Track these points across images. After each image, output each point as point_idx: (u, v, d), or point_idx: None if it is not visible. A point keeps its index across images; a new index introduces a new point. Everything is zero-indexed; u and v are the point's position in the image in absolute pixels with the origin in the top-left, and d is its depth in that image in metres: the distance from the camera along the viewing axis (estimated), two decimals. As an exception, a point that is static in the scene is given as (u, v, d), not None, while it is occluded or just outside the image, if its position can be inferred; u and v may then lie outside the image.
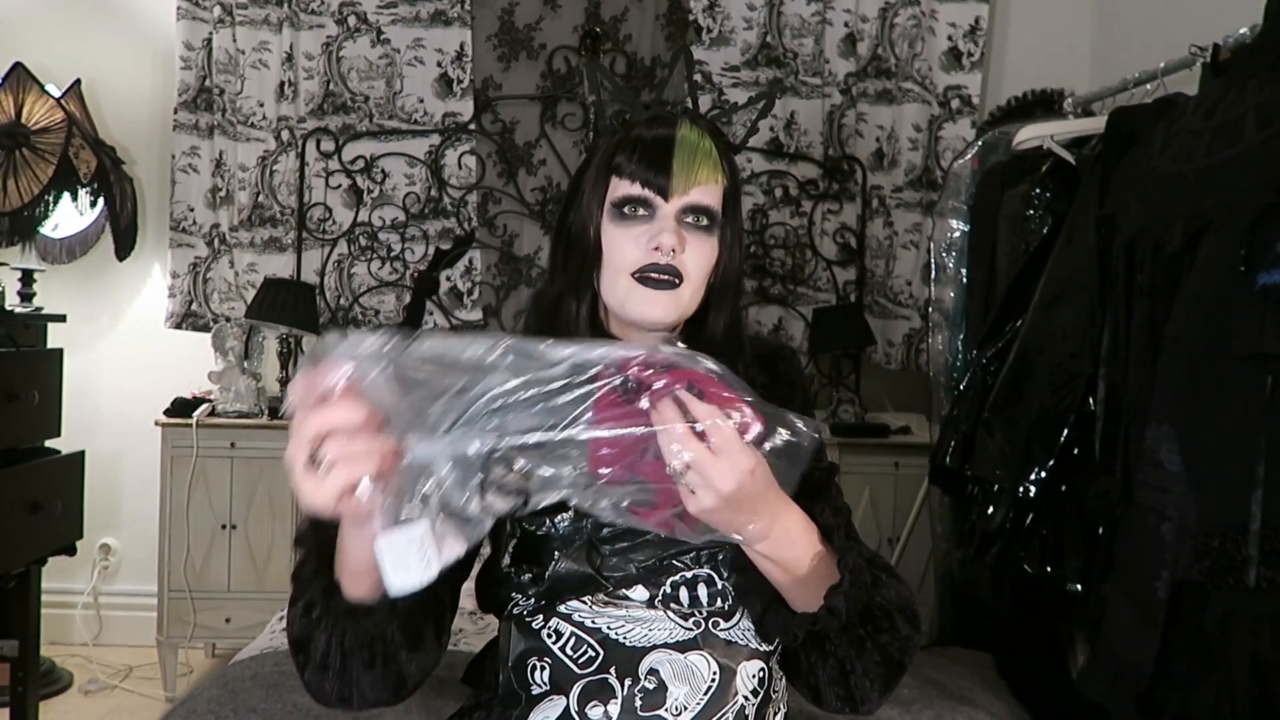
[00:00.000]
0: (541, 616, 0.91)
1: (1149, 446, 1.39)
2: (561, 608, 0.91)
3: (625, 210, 0.91)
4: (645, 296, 0.89)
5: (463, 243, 2.86)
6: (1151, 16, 2.57)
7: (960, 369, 2.22)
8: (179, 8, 2.80)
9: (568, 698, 0.87)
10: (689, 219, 0.91)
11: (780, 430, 0.72)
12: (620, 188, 0.92)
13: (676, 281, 0.90)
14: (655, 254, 0.89)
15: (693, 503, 0.71)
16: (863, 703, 0.87)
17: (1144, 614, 1.35)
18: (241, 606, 2.52)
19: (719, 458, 0.69)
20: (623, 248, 0.91)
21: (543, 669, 0.90)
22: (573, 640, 0.89)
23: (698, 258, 0.92)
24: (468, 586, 0.97)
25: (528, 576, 0.91)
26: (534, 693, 0.90)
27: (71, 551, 2.39)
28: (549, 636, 0.90)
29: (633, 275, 0.90)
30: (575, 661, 0.89)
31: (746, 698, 0.89)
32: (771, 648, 0.94)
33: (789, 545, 0.80)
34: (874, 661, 0.85)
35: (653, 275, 0.89)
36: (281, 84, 2.83)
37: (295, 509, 2.54)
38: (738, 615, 0.92)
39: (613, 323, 0.95)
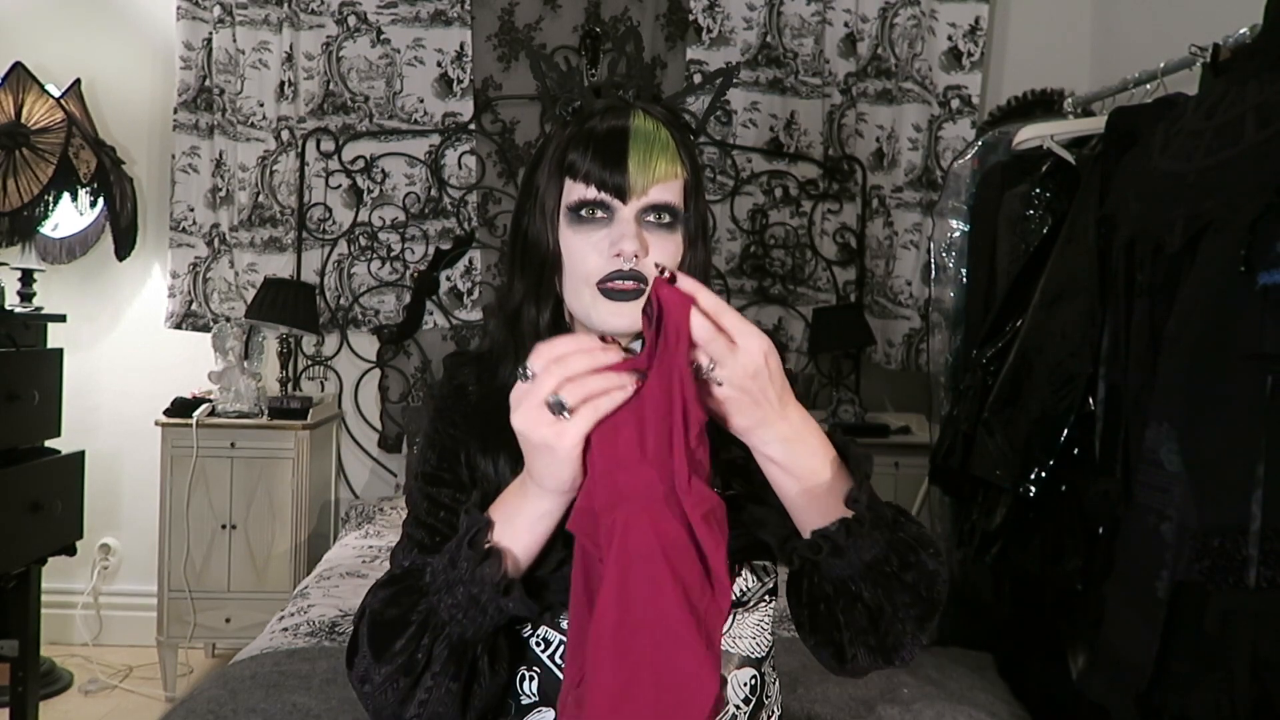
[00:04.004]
0: (529, 624, 0.88)
1: (1149, 446, 1.39)
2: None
3: (583, 214, 0.87)
4: (611, 309, 0.86)
5: (463, 243, 2.86)
6: (1151, 16, 2.57)
7: (960, 369, 2.22)
8: (179, 8, 2.80)
9: (555, 710, 0.85)
10: (650, 218, 0.88)
11: None
12: (575, 191, 0.88)
13: (642, 287, 0.86)
14: (617, 260, 0.86)
15: (718, 395, 0.73)
16: (896, 649, 0.82)
17: (1144, 614, 1.35)
18: (241, 606, 2.52)
19: (736, 344, 0.72)
20: (583, 255, 0.88)
21: (531, 679, 0.88)
22: (561, 649, 0.87)
23: (662, 258, 0.88)
24: None
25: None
26: (524, 703, 0.88)
27: (71, 551, 2.40)
28: (537, 645, 0.88)
29: (596, 286, 0.86)
30: (564, 671, 0.86)
31: (738, 706, 0.88)
32: (764, 654, 0.92)
33: (807, 453, 0.78)
34: (904, 602, 0.80)
35: (617, 285, 0.86)
36: (281, 84, 2.83)
37: (295, 509, 2.54)
38: (729, 623, 0.90)
39: (578, 329, 0.92)
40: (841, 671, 0.87)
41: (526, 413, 0.72)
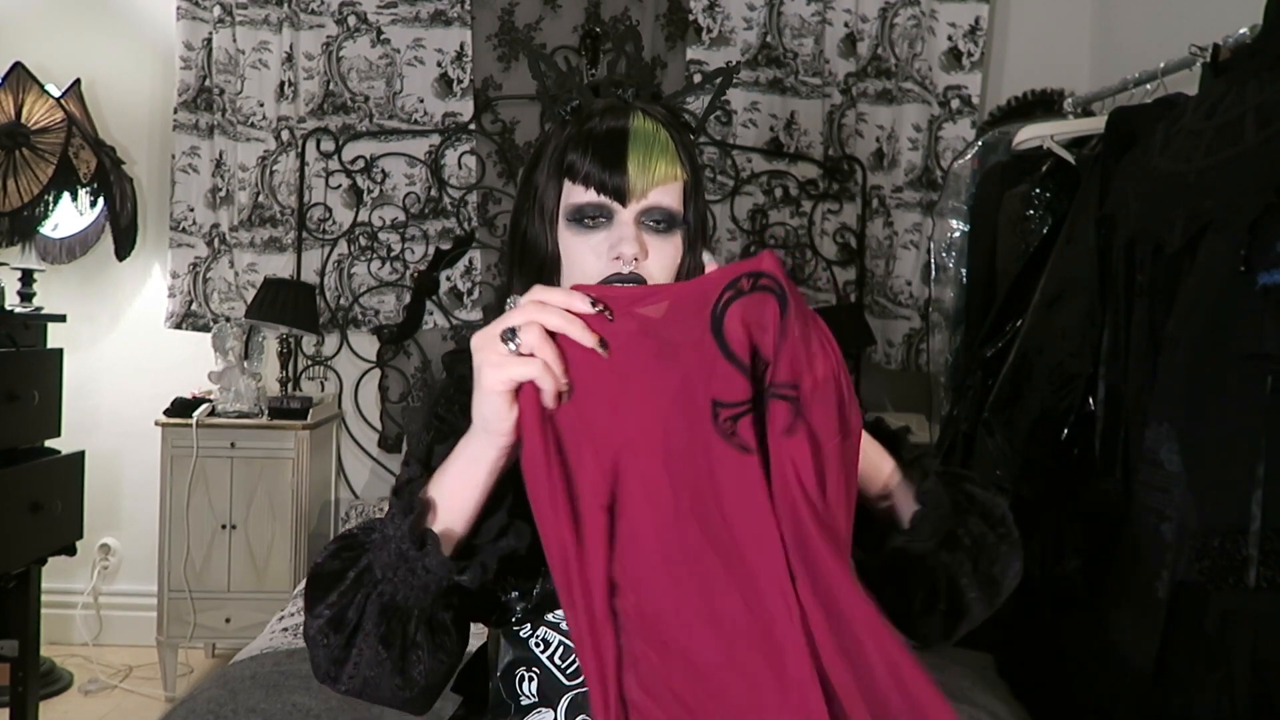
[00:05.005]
0: (529, 625, 0.89)
1: (1149, 446, 1.39)
2: (550, 616, 0.88)
3: (583, 219, 0.87)
4: None
5: (463, 243, 2.86)
6: (1151, 16, 2.57)
7: (960, 369, 2.22)
8: (179, 8, 2.80)
9: (555, 711, 0.85)
10: (649, 222, 0.87)
11: None
12: (575, 194, 0.88)
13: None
14: (616, 264, 0.85)
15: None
16: (966, 612, 0.86)
17: (1144, 614, 1.36)
18: (241, 606, 2.52)
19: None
20: (582, 258, 0.87)
21: (531, 679, 0.88)
22: (561, 649, 0.87)
23: (661, 261, 0.88)
24: None
25: (515, 594, 0.88)
26: (523, 703, 0.88)
27: (71, 551, 2.40)
28: (537, 645, 0.87)
29: None
30: (564, 672, 0.86)
31: None
32: None
33: (872, 450, 0.80)
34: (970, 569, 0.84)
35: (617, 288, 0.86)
36: (281, 84, 2.83)
37: (295, 509, 2.54)
38: None
39: None
40: (914, 634, 0.88)
41: (486, 334, 0.70)
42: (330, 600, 0.75)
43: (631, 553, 0.69)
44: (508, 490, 0.76)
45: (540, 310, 0.70)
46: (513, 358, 0.69)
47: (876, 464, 0.82)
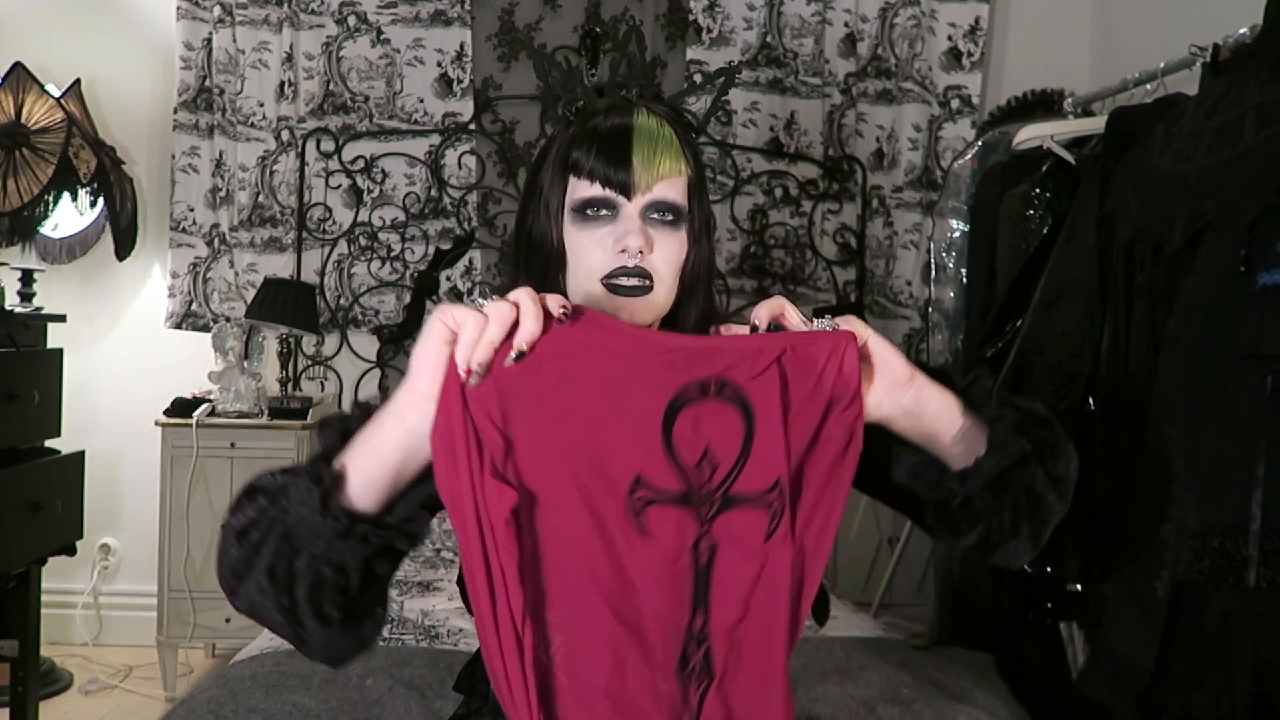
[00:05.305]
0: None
1: (1149, 446, 1.39)
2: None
3: (587, 212, 0.87)
4: (617, 306, 0.85)
5: (463, 243, 2.86)
6: (1151, 16, 2.57)
7: (960, 369, 2.22)
8: (179, 8, 2.80)
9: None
10: (654, 215, 0.87)
11: None
12: (580, 189, 0.88)
13: (648, 284, 0.86)
14: (622, 256, 0.85)
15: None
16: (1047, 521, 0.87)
17: (1144, 614, 1.36)
18: (241, 606, 2.52)
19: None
20: (588, 252, 0.87)
21: None
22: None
23: (666, 256, 0.88)
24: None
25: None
26: None
27: (71, 551, 2.39)
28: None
29: (601, 281, 0.86)
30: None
31: None
32: None
33: (935, 401, 0.82)
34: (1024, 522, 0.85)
35: (622, 281, 0.85)
36: (281, 84, 2.83)
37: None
38: None
39: None
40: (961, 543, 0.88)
41: (456, 306, 0.72)
42: (249, 512, 0.77)
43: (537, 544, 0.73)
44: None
45: (514, 311, 0.72)
46: (465, 308, 0.71)
47: (949, 420, 0.83)
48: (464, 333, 0.70)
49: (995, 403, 0.85)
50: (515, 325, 0.71)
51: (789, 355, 0.74)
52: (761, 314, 0.81)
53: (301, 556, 0.74)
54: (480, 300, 0.72)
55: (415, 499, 0.77)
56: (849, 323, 0.78)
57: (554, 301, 0.73)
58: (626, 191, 0.87)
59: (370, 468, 0.74)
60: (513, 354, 0.70)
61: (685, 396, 0.73)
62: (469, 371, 0.69)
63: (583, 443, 0.72)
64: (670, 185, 0.88)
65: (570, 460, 0.72)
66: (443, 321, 0.71)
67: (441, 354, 0.71)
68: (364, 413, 0.79)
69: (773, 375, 0.74)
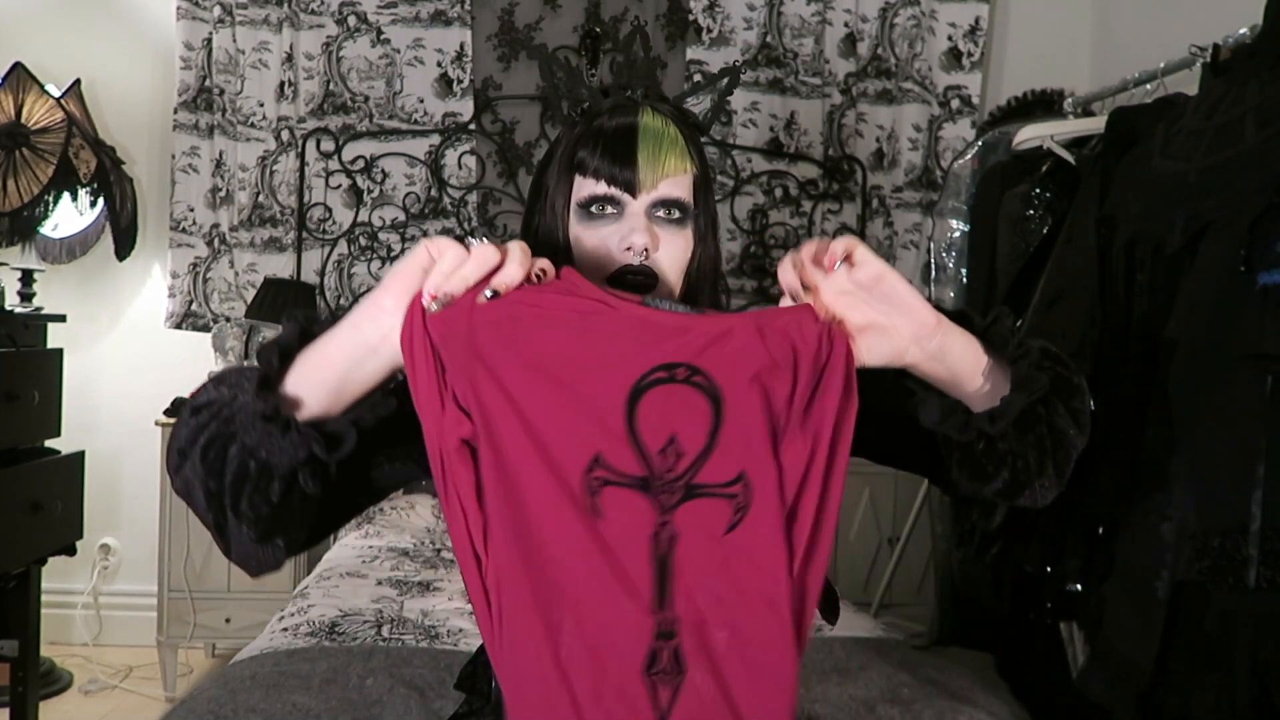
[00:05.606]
0: None
1: (1149, 446, 1.39)
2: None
3: (593, 210, 0.88)
4: None
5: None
6: (1151, 16, 2.57)
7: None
8: (179, 8, 2.80)
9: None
10: (660, 213, 0.88)
11: None
12: (585, 187, 0.88)
13: (653, 282, 0.87)
14: (628, 254, 0.86)
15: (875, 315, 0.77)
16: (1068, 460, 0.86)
17: (1144, 614, 1.36)
18: (241, 606, 2.52)
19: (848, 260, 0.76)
20: (594, 250, 0.88)
21: None
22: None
23: (672, 253, 0.88)
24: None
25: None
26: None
27: (71, 551, 2.39)
28: None
29: (607, 280, 0.86)
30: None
31: None
32: None
33: (959, 344, 0.80)
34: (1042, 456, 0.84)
35: (628, 279, 0.86)
36: (281, 84, 2.83)
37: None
38: None
39: None
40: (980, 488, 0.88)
41: (445, 239, 0.73)
42: (208, 393, 0.76)
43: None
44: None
45: (500, 256, 0.72)
46: (452, 241, 0.71)
47: (973, 362, 0.82)
48: (441, 262, 0.71)
49: (1015, 343, 0.85)
50: (496, 272, 0.72)
51: (762, 334, 0.73)
52: (787, 276, 0.79)
53: (235, 443, 0.73)
54: (473, 241, 0.72)
55: (350, 415, 0.76)
56: (865, 262, 0.76)
57: (542, 261, 0.74)
58: (632, 189, 0.87)
59: (314, 370, 0.74)
60: (487, 292, 0.71)
61: (651, 379, 0.72)
62: (433, 297, 0.70)
63: (544, 407, 0.71)
64: (675, 183, 0.89)
65: (532, 421, 0.71)
66: (427, 249, 0.72)
67: (415, 277, 0.72)
68: (332, 320, 0.78)
69: (745, 359, 0.73)
